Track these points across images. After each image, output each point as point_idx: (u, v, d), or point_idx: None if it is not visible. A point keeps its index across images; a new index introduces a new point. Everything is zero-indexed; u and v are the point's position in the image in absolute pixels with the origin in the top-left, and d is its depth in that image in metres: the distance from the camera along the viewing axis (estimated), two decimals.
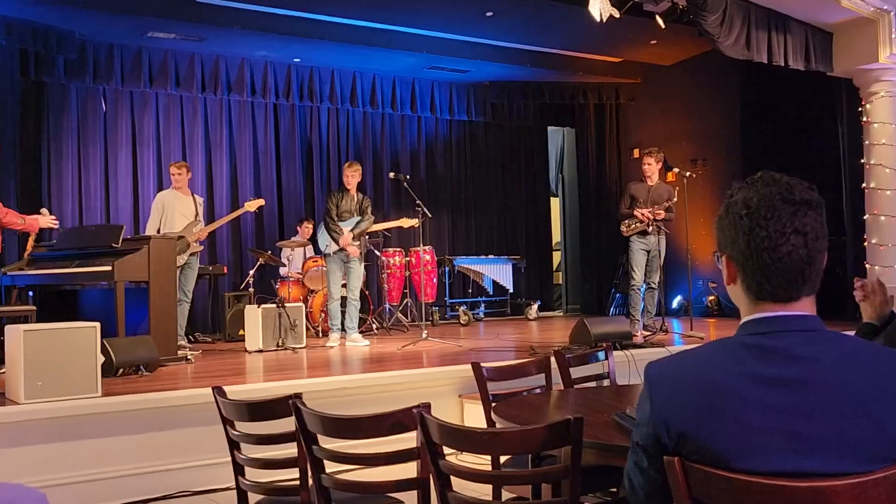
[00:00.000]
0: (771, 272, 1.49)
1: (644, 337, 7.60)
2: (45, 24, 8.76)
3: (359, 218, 7.99)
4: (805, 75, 9.21)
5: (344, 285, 8.11)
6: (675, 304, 11.04)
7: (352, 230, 7.89)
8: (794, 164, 9.43)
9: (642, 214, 8.10)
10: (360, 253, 8.08)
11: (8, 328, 5.00)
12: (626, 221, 8.23)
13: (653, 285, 8.27)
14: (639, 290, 8.23)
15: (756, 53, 8.50)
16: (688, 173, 8.37)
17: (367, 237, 8.55)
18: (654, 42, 10.13)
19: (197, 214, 7.95)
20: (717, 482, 1.42)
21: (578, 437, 2.04)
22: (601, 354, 3.88)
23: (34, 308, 6.71)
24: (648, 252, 8.20)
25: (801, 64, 8.93)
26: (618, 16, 7.31)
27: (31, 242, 7.62)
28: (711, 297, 10.74)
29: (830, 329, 1.50)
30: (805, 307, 1.51)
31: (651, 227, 8.13)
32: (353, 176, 8.01)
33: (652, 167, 8.27)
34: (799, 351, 1.44)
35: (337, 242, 7.84)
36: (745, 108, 10.71)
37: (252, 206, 8.64)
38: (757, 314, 1.51)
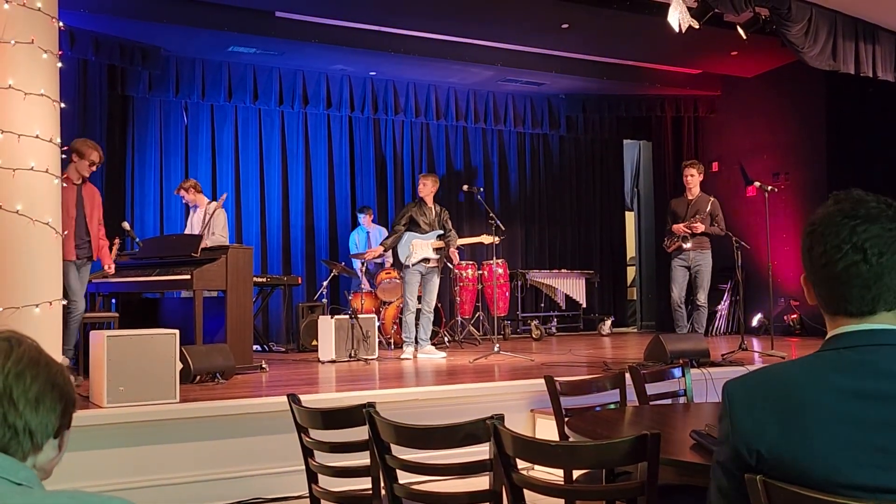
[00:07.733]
0: (834, 287, 1.48)
1: (723, 355, 7.41)
2: (131, 40, 9.07)
3: (440, 231, 8.01)
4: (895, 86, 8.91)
5: (420, 297, 8.11)
6: (755, 322, 10.74)
7: (447, 243, 7.93)
8: (885, 179, 9.11)
9: (678, 228, 7.98)
10: (440, 266, 8.09)
11: (92, 333, 5.16)
12: (668, 237, 8.16)
13: (700, 303, 8.06)
14: (677, 308, 8.09)
15: (843, 64, 8.24)
16: (769, 187, 8.15)
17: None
18: (735, 53, 9.93)
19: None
20: (803, 502, 1.38)
21: (655, 453, 2.00)
22: (677, 371, 3.78)
23: (117, 315, 6.92)
24: (689, 269, 8.04)
25: (891, 75, 8.63)
26: (697, 26, 7.18)
27: (114, 251, 7.86)
28: (794, 316, 10.41)
29: None
30: (886, 321, 1.46)
31: (689, 243, 7.97)
32: (431, 186, 8.03)
33: (694, 179, 8.19)
34: (887, 365, 1.41)
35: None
36: (830, 121, 10.37)
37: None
38: (838, 329, 1.50)
